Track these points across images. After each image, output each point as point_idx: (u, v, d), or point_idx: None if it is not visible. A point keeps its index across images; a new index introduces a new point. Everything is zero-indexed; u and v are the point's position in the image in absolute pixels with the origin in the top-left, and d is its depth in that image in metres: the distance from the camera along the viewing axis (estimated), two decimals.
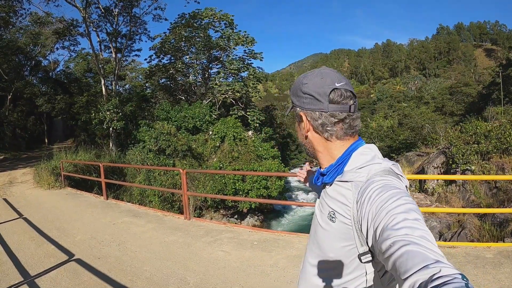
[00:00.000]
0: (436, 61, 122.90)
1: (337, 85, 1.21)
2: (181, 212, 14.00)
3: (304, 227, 18.09)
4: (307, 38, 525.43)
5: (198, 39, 21.99)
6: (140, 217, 7.55)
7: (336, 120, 1.21)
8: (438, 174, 19.50)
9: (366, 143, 1.29)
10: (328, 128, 1.21)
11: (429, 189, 19.48)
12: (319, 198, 1.40)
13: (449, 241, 12.35)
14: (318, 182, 1.32)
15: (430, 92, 71.49)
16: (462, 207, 16.37)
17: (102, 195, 9.65)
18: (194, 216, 7.73)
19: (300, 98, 1.26)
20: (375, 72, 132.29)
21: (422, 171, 20.87)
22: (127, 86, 36.21)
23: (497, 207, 13.39)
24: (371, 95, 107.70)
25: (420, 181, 20.67)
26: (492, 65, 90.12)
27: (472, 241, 11.75)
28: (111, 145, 19.18)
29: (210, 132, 19.26)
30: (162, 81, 24.53)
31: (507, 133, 16.73)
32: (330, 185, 1.25)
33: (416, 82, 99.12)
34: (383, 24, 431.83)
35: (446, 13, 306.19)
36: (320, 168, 1.35)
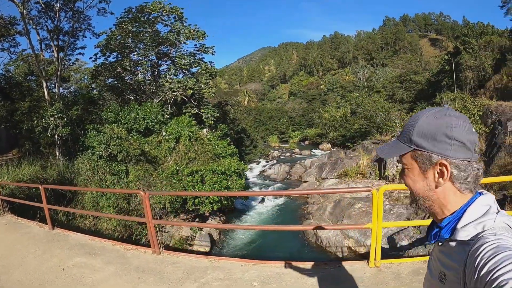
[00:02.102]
0: (383, 51, 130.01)
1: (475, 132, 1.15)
2: (141, 223, 13.44)
3: (268, 221, 18.03)
4: (255, 32, 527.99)
5: (146, 35, 21.08)
6: (96, 255, 5.98)
7: (477, 171, 1.15)
8: (397, 160, 20.00)
9: (481, 194, 1.19)
10: (469, 180, 1.15)
11: (389, 176, 20.05)
12: (429, 261, 1.38)
13: (418, 227, 12.67)
14: (432, 238, 1.27)
15: (380, 81, 73.98)
16: None
17: (47, 223, 7.87)
18: (164, 248, 6.14)
19: (441, 144, 1.14)
20: (324, 63, 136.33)
21: (381, 158, 21.44)
22: (72, 88, 34.37)
23: None
24: (321, 86, 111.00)
25: (380, 167, 21.24)
26: (437, 53, 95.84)
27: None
28: (57, 154, 17.93)
29: (164, 133, 18.59)
30: (109, 81, 23.34)
31: None
32: (441, 243, 1.22)
33: (365, 72, 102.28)
34: (330, 17, 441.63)
35: (392, 5, 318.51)
36: (436, 222, 1.28)
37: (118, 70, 21.84)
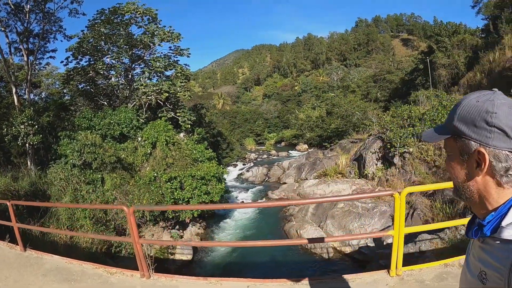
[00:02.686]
0: (356, 52, 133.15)
1: None
2: (119, 234, 12.93)
3: (249, 226, 17.86)
4: (228, 35, 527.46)
5: (119, 37, 20.51)
6: (75, 281, 5.24)
7: None
8: (377, 158, 20.29)
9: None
10: (510, 173, 1.07)
11: (369, 174, 20.19)
12: (467, 258, 1.32)
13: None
14: (474, 235, 1.19)
15: (354, 81, 75.16)
16: (405, 187, 17.16)
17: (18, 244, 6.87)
18: (153, 269, 5.35)
19: (480, 130, 1.09)
20: (298, 65, 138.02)
21: (360, 157, 21.60)
22: (43, 94, 33.14)
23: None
24: (296, 88, 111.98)
25: (359, 166, 21.40)
26: (409, 53, 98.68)
27: (427, 221, 12.23)
28: (29, 163, 17.12)
29: (139, 139, 18.11)
30: (82, 86, 22.53)
31: (440, 114, 17.88)
32: (483, 241, 1.16)
33: (339, 73, 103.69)
34: (303, 18, 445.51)
35: (364, 7, 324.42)
36: (476, 216, 1.23)
37: (90, 74, 21.11)
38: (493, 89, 1.17)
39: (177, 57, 22.44)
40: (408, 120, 19.69)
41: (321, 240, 4.92)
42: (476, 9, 43.23)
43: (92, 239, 11.61)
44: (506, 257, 1.01)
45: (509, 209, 1.07)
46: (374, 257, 11.69)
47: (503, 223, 1.05)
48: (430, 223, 11.92)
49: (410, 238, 9.80)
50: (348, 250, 13.59)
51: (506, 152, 1.05)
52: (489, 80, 27.13)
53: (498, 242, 1.07)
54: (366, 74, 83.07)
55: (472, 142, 1.10)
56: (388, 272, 4.48)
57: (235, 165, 38.94)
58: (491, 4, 39.63)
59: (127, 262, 10.80)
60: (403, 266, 4.42)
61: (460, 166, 1.18)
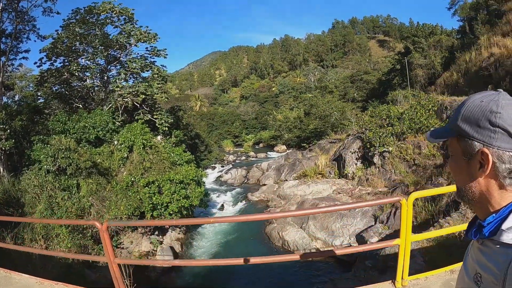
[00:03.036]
0: (333, 53, 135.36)
1: None
2: (97, 242, 12.47)
3: (229, 229, 17.63)
4: (205, 37, 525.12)
5: (94, 37, 19.92)
6: None
7: None
8: (356, 158, 20.42)
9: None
10: None
11: (349, 174, 20.30)
12: (465, 259, 1.30)
13: (386, 223, 12.80)
14: (473, 235, 1.17)
15: (331, 81, 75.88)
16: (385, 186, 17.41)
17: None
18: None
19: (484, 130, 1.06)
20: (275, 66, 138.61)
21: (339, 157, 21.71)
22: (16, 97, 31.90)
23: (425, 183, 14.27)
24: (273, 89, 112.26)
25: (339, 166, 21.50)
26: (385, 54, 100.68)
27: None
28: (1, 170, 16.37)
29: (116, 142, 17.64)
30: (56, 88, 21.75)
31: (419, 114, 18.14)
32: (482, 242, 1.14)
33: (316, 74, 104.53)
34: (280, 20, 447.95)
35: (341, 9, 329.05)
36: (477, 217, 1.20)
37: (65, 76, 20.38)
38: (498, 89, 1.14)
39: (154, 58, 22.01)
40: (387, 119, 19.89)
41: (319, 254, 4.68)
42: (452, 10, 44.15)
43: (69, 249, 11.21)
44: (503, 262, 1.00)
45: (510, 211, 1.04)
46: (358, 257, 11.68)
47: (504, 226, 1.03)
48: (413, 222, 11.99)
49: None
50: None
51: (510, 153, 1.03)
52: (465, 79, 27.70)
53: (497, 245, 1.05)
54: (343, 74, 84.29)
55: (476, 143, 1.08)
56: (393, 283, 4.33)
57: (214, 168, 38.72)
58: (467, 6, 40.55)
59: (105, 271, 10.52)
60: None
61: (463, 167, 1.15)
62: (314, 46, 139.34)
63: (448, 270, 4.34)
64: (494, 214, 1.09)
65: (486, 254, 1.09)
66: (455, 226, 7.02)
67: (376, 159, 18.92)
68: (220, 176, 32.68)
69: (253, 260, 4.06)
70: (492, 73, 23.30)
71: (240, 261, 3.88)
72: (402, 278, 4.20)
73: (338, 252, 4.08)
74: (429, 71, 40.42)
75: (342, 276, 10.82)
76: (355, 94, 58.22)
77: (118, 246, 13.99)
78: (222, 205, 22.41)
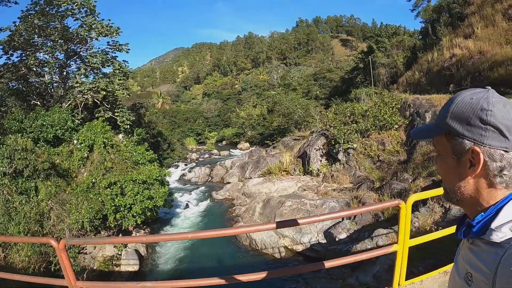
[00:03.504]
0: (296, 51, 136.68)
1: None
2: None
3: (195, 228, 17.21)
4: (167, 33, 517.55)
5: (53, 30, 18.89)
6: None
7: None
8: (321, 155, 20.61)
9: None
10: (504, 173, 1.04)
11: (314, 171, 20.46)
12: (456, 258, 1.29)
13: (353, 219, 12.93)
14: (462, 235, 1.16)
15: (294, 79, 76.51)
16: (350, 182, 17.66)
17: None
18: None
19: (475, 128, 1.04)
20: (238, 63, 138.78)
21: (304, 154, 21.85)
22: None
23: (390, 179, 14.56)
24: (236, 86, 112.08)
25: (304, 163, 21.64)
26: (348, 53, 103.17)
27: (376, 214, 12.46)
28: None
29: (75, 141, 16.90)
30: (13, 84, 20.47)
31: (382, 111, 18.53)
32: (472, 241, 1.13)
33: (279, 71, 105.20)
34: (244, 18, 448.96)
35: (305, 8, 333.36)
36: (466, 216, 1.20)
37: (22, 71, 19.30)
38: (487, 87, 1.12)
39: (115, 53, 21.24)
40: (351, 116, 20.20)
41: (309, 268, 4.41)
42: (415, 12, 45.87)
43: (29, 257, 10.59)
44: (492, 261, 1.00)
45: (499, 210, 1.04)
46: (326, 253, 11.72)
47: (493, 225, 1.03)
48: (381, 218, 12.19)
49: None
50: (300, 248, 13.62)
51: (501, 151, 1.02)
52: (427, 78, 28.79)
53: (487, 244, 1.05)
54: (306, 72, 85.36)
55: (466, 141, 1.06)
56: None
57: (177, 166, 38.08)
58: (430, 8, 42.13)
59: None
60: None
61: (452, 167, 1.13)
62: (278, 44, 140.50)
63: (442, 271, 4.39)
64: (482, 213, 1.08)
65: (476, 253, 1.09)
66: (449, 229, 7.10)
67: (340, 156, 19.17)
68: (183, 175, 32.16)
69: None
70: (454, 73, 24.24)
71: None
72: (399, 284, 4.12)
73: (328, 264, 3.88)
74: (391, 70, 41.73)
75: (315, 274, 10.80)
76: (318, 92, 58.98)
77: (81, 252, 13.45)
78: (187, 205, 22.05)
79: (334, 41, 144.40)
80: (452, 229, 5.83)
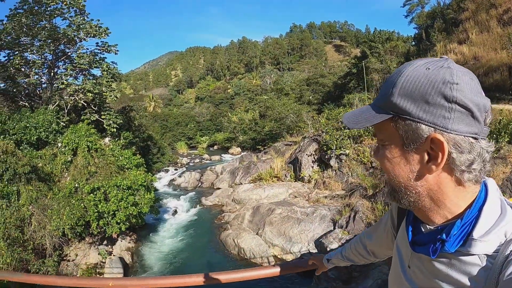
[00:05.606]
0: (290, 56, 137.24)
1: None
2: (40, 255, 11.39)
3: (182, 236, 16.93)
4: (161, 37, 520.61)
5: (41, 29, 18.41)
6: None
7: (486, 154, 0.80)
8: (313, 161, 20.31)
9: (485, 184, 0.88)
10: (474, 167, 0.80)
11: (305, 177, 20.17)
12: (402, 265, 1.04)
13: (346, 228, 12.63)
14: (431, 253, 0.87)
15: (287, 84, 76.62)
16: (343, 189, 17.37)
17: None
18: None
19: (435, 108, 0.77)
20: (231, 68, 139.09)
21: (295, 160, 21.57)
22: None
23: (383, 186, 14.28)
24: (228, 90, 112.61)
25: (295, 169, 21.34)
26: (341, 58, 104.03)
27: (370, 223, 12.19)
28: None
29: (59, 144, 16.46)
30: (2, 84, 19.88)
31: None
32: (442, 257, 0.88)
33: (272, 76, 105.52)
34: (238, 23, 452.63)
35: (299, 13, 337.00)
36: (423, 224, 0.95)
37: (9, 71, 18.81)
38: (442, 55, 0.86)
39: (104, 54, 20.87)
40: None
41: None
42: (409, 18, 46.03)
43: (8, 263, 10.16)
44: (480, 278, 0.78)
45: (478, 214, 0.82)
46: None
47: (476, 235, 0.80)
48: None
49: None
50: (290, 257, 13.31)
51: (471, 139, 0.78)
52: None
53: (468, 257, 0.82)
54: (299, 77, 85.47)
55: (423, 126, 0.79)
56: None
57: (167, 171, 37.71)
58: (424, 14, 42.27)
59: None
60: None
61: (402, 160, 0.86)
62: (271, 49, 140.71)
63: None
64: (458, 222, 0.84)
65: (455, 270, 0.84)
66: None
67: (333, 162, 18.91)
68: (173, 180, 31.76)
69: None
70: None
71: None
72: None
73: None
74: (385, 75, 41.86)
75: (303, 286, 10.47)
76: (310, 97, 58.86)
77: (64, 259, 13.01)
78: (175, 211, 21.64)
79: (328, 47, 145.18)
80: None
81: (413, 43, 45.76)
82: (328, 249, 12.08)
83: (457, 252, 0.84)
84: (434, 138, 0.78)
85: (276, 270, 2.23)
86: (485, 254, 0.80)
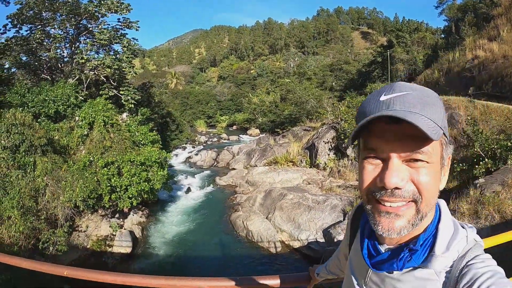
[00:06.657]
0: (315, 40, 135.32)
1: None
2: (52, 225, 11.65)
3: (195, 213, 17.15)
4: (186, 14, 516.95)
5: (62, 4, 18.43)
6: None
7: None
8: (329, 149, 20.08)
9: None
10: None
11: (321, 164, 20.00)
12: (358, 282, 1.02)
13: None
14: (398, 268, 0.87)
15: (310, 68, 75.69)
16: (357, 180, 17.10)
17: None
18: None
19: (446, 131, 0.84)
20: (255, 49, 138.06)
21: (312, 146, 21.38)
22: None
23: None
24: (251, 71, 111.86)
25: (311, 155, 21.17)
26: (367, 46, 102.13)
27: None
28: None
29: (77, 118, 16.67)
30: (25, 58, 20.09)
31: None
32: (402, 272, 0.87)
33: (296, 59, 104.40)
34: (265, 3, 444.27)
35: None
36: (381, 244, 0.94)
37: (32, 45, 19.03)
38: (396, 82, 0.87)
39: (125, 30, 20.82)
40: None
41: None
42: (439, 9, 44.45)
43: (20, 233, 10.43)
44: None
45: (436, 232, 0.86)
46: (323, 254, 11.31)
47: (438, 250, 0.83)
48: None
49: None
50: (297, 244, 13.29)
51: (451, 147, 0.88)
52: (446, 78, 27.78)
53: (427, 272, 0.83)
54: (323, 62, 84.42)
55: (451, 146, 0.87)
56: None
57: (184, 148, 38.02)
58: (455, 7, 40.82)
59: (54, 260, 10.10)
60: None
61: (438, 176, 0.85)
62: (297, 31, 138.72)
63: None
64: (422, 235, 0.86)
65: (412, 284, 0.85)
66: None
67: (349, 151, 18.70)
68: (189, 157, 32.04)
69: None
70: (475, 76, 23.31)
71: None
72: None
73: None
74: (410, 66, 41.05)
75: None
76: (333, 83, 58.13)
77: (75, 229, 13.30)
78: (189, 188, 21.85)
79: (354, 33, 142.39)
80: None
81: (442, 35, 44.51)
82: (335, 240, 12.01)
83: (418, 268, 0.85)
84: (450, 158, 0.88)
85: (276, 282, 2.14)
86: (443, 269, 0.82)
